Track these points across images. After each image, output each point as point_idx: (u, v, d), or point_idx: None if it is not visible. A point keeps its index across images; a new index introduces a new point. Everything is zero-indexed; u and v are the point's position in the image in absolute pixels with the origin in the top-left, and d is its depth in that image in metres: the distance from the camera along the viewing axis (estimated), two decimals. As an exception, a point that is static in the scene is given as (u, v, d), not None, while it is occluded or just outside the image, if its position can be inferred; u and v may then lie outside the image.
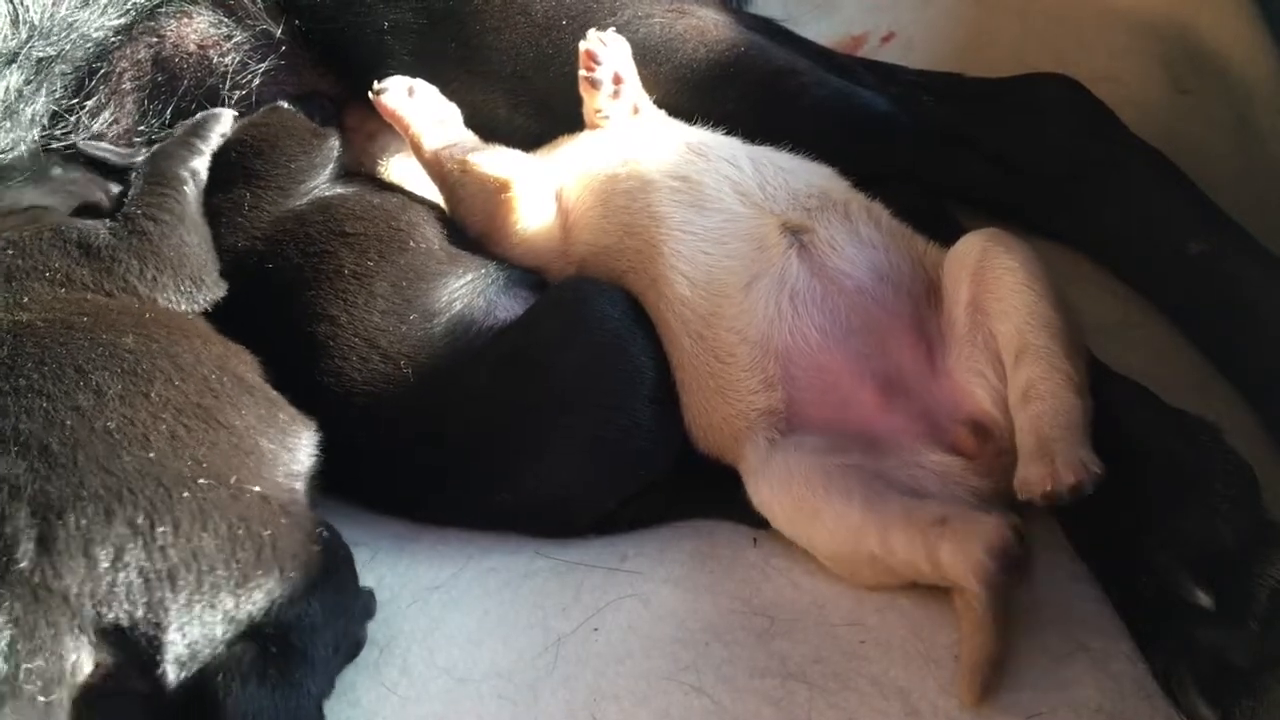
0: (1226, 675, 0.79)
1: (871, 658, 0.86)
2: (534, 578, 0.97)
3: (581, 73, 1.10)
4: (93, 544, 0.77)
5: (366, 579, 0.96)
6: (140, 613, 0.76)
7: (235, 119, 1.18)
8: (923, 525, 0.85)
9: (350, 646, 0.90)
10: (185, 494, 0.81)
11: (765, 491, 0.94)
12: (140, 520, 0.79)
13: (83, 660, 0.75)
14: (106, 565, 0.77)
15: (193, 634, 0.78)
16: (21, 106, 1.13)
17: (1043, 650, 0.84)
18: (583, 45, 1.10)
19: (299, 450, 0.95)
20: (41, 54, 1.12)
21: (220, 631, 0.79)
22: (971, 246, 0.99)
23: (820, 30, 1.39)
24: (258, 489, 0.86)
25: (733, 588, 0.93)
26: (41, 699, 0.72)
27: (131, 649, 0.76)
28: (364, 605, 0.93)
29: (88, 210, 1.09)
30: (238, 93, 1.21)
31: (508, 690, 0.88)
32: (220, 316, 1.04)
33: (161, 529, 0.79)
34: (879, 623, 0.88)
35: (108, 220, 1.04)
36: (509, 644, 0.91)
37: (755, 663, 0.87)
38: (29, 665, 0.72)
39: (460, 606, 0.95)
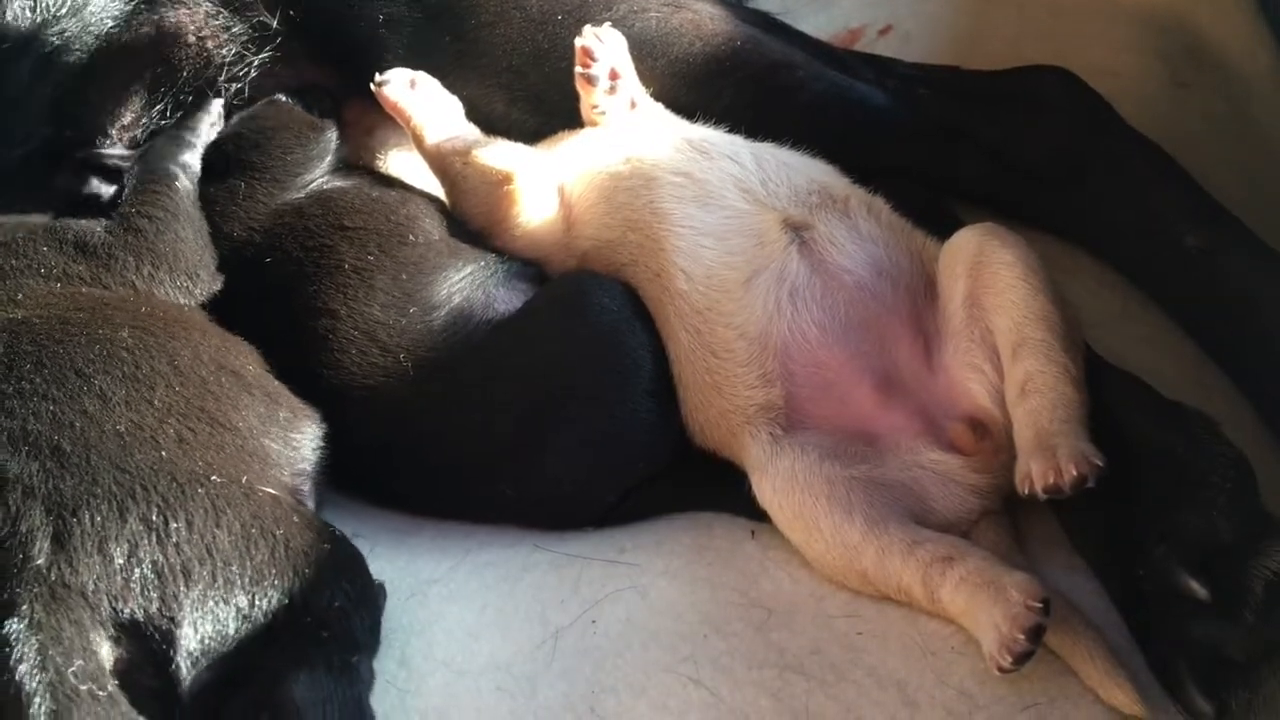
0: (1222, 667, 0.79)
1: (869, 649, 0.86)
2: (532, 571, 0.97)
3: (577, 69, 1.10)
4: (107, 540, 0.77)
5: (365, 572, 0.96)
6: (155, 607, 0.77)
7: (224, 108, 1.17)
8: (925, 560, 0.85)
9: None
10: (200, 490, 0.82)
11: (768, 490, 0.94)
12: (154, 516, 0.79)
13: (106, 654, 0.75)
14: (122, 561, 0.77)
15: (205, 629, 0.78)
16: (25, 99, 1.12)
17: (1039, 642, 0.85)
18: (578, 42, 1.09)
19: (303, 447, 0.95)
20: (47, 45, 1.12)
21: (233, 628, 0.79)
22: (967, 241, 0.99)
23: (817, 23, 1.39)
24: (269, 490, 0.86)
25: (731, 580, 0.93)
26: (102, 693, 0.72)
27: (146, 644, 0.76)
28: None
29: (84, 209, 1.09)
30: (235, 85, 1.20)
31: (506, 683, 0.88)
32: (219, 310, 1.04)
33: (175, 525, 0.79)
34: (876, 614, 0.89)
35: (103, 220, 1.04)
36: (507, 637, 0.92)
37: (753, 654, 0.87)
38: (72, 669, 0.72)
39: (459, 599, 0.95)
